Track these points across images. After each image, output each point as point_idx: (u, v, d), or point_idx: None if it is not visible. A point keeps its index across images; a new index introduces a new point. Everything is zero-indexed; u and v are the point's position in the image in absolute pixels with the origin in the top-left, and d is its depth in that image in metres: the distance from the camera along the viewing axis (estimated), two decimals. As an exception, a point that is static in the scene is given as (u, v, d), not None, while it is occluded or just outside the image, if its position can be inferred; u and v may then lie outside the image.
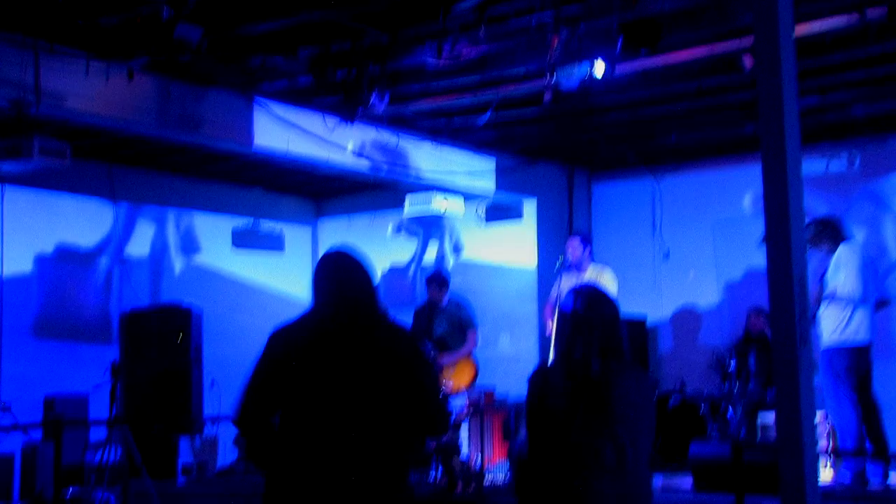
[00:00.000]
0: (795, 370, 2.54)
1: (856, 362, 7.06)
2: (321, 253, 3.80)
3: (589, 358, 3.52)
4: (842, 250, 7.22)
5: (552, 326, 8.21)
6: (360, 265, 3.65)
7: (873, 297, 7.28)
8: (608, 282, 7.95)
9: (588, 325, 3.57)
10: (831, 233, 7.31)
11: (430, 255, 11.60)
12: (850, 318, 7.08)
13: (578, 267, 8.20)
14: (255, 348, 3.65)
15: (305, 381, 3.43)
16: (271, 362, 3.50)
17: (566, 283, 8.16)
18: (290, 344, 3.50)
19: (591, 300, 3.65)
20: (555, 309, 8.12)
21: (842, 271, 7.11)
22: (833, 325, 7.10)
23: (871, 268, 7.36)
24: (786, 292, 2.59)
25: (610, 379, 3.49)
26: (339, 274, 3.60)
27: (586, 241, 8.34)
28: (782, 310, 2.58)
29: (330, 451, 3.38)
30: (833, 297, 7.07)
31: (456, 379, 8.74)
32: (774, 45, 2.55)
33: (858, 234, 9.08)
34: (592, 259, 8.42)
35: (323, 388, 3.41)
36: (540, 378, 3.66)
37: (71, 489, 7.52)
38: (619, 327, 3.63)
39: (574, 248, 8.21)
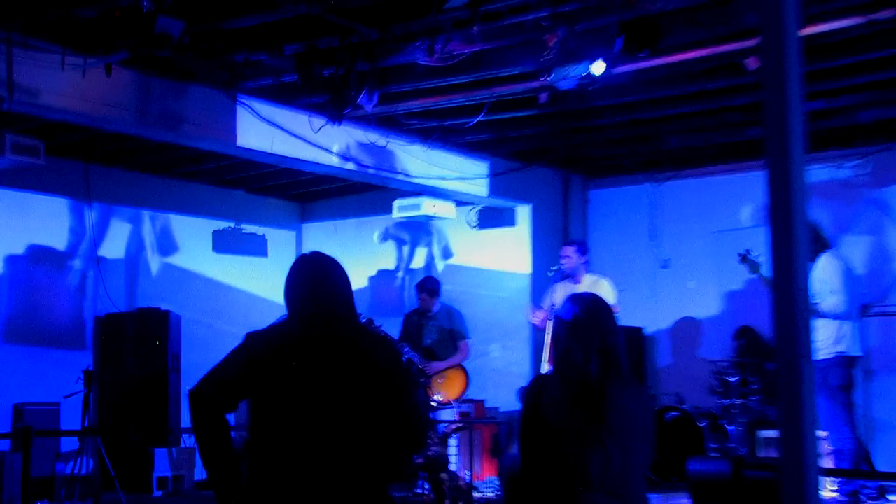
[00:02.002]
0: (798, 385, 2.53)
1: (849, 377, 7.09)
2: (304, 258, 3.76)
3: (587, 363, 3.52)
4: (825, 261, 7.19)
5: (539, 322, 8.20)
6: (335, 270, 3.61)
7: (857, 308, 7.29)
8: (606, 293, 7.94)
9: (587, 331, 3.58)
10: (811, 240, 7.28)
11: (419, 262, 11.59)
12: (839, 331, 7.09)
13: (574, 276, 8.19)
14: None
15: (279, 394, 3.39)
16: (245, 360, 3.45)
17: (561, 294, 8.15)
18: (267, 350, 3.46)
19: (590, 306, 3.66)
20: (545, 317, 8.15)
21: (827, 284, 7.09)
22: (822, 340, 7.09)
23: (853, 277, 7.35)
24: (789, 305, 2.58)
25: (607, 389, 3.49)
26: (314, 280, 3.57)
27: (583, 249, 8.33)
28: (785, 323, 2.57)
29: (305, 467, 3.36)
30: (820, 312, 7.04)
31: (445, 390, 8.73)
32: (780, 47, 2.55)
33: (863, 245, 9.11)
34: (589, 269, 8.42)
35: (297, 401, 3.38)
36: (536, 389, 3.65)
37: (40, 502, 7.47)
38: (618, 337, 3.64)
39: (569, 256, 8.20)
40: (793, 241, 2.58)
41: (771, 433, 8.19)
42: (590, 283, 8.09)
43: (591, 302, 3.71)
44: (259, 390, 3.41)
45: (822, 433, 7.03)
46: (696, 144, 9.85)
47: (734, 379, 8.52)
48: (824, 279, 7.10)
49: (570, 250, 8.24)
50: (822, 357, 7.07)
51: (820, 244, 7.27)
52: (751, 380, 8.51)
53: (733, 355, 9.10)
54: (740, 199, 9.97)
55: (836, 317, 7.04)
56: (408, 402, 3.52)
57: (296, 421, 3.37)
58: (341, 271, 3.63)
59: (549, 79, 7.09)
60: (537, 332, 8.90)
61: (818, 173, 9.40)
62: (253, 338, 3.52)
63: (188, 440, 8.98)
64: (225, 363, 3.46)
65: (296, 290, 3.58)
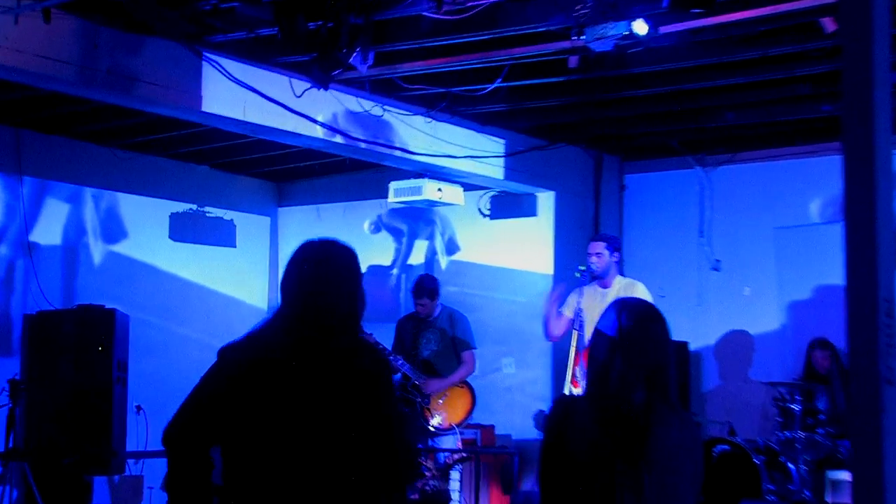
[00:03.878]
0: (878, 417, 2.52)
1: None
2: (281, 249, 3.73)
3: (630, 391, 3.49)
4: None
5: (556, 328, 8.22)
6: (346, 266, 3.58)
7: None
8: (641, 299, 7.95)
9: (635, 349, 3.55)
10: None
11: (419, 257, 11.58)
12: None
13: (603, 279, 8.19)
14: (194, 366, 3.61)
15: (250, 415, 3.39)
16: (220, 383, 3.46)
17: (588, 298, 8.16)
18: (242, 370, 3.46)
19: (640, 318, 3.63)
20: (562, 324, 8.16)
21: None
22: None
23: None
24: (868, 318, 2.58)
25: (651, 420, 3.47)
26: (313, 274, 3.54)
27: (614, 246, 8.34)
28: (863, 340, 2.56)
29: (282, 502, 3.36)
30: None
31: (447, 412, 8.73)
32: (865, 3, 2.53)
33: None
34: (621, 270, 8.41)
35: (270, 425, 3.38)
36: (561, 415, 3.62)
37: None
38: (671, 357, 3.62)
39: (599, 253, 8.20)
40: (874, 241, 2.56)
41: (843, 474, 8.18)
42: (621, 288, 8.09)
43: (644, 313, 3.68)
44: (234, 419, 3.41)
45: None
46: (756, 122, 9.82)
47: (798, 407, 8.50)
48: None
49: (599, 247, 8.25)
50: None
51: None
52: (819, 408, 8.49)
53: (802, 373, 9.10)
54: (810, 188, 9.96)
55: None
56: (393, 430, 3.50)
57: (271, 454, 3.37)
58: (353, 268, 3.60)
59: (581, 39, 7.07)
60: (559, 342, 8.90)
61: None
62: (226, 354, 3.51)
63: (134, 467, 8.98)
64: (198, 392, 3.48)
65: (290, 285, 3.55)
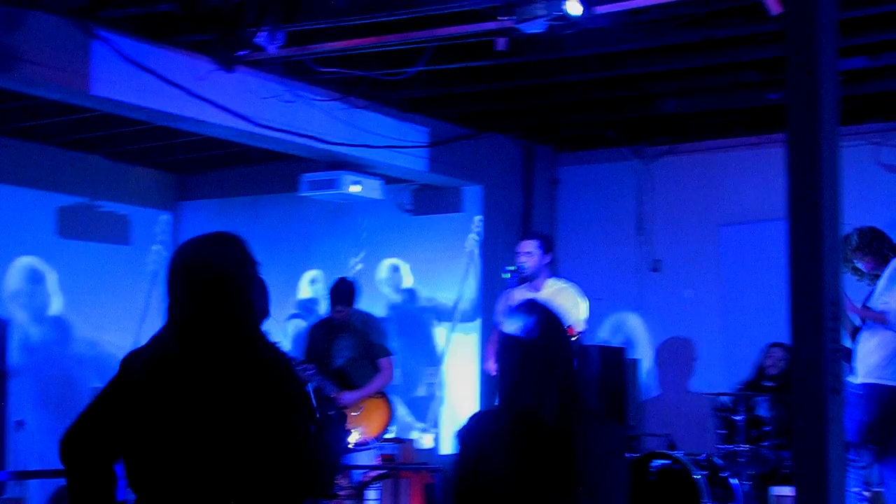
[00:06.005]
0: (822, 427, 2.56)
1: (884, 413, 7.27)
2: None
3: (545, 403, 3.51)
4: None
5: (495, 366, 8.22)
6: (235, 259, 3.56)
7: None
8: (573, 304, 7.99)
9: (545, 357, 3.57)
10: (877, 247, 7.47)
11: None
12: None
13: (534, 280, 8.21)
14: (84, 377, 3.58)
15: (152, 424, 3.40)
16: (122, 391, 3.46)
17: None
18: (142, 376, 3.45)
19: (548, 323, 3.65)
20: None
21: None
22: (873, 363, 7.28)
23: None
24: (812, 322, 2.62)
25: (571, 432, 3.50)
26: (199, 273, 3.52)
27: (546, 245, 8.35)
28: (807, 345, 2.60)
29: None
30: (886, 323, 7.24)
31: (362, 425, 8.71)
32: (809, -15, 2.57)
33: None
34: (554, 271, 8.44)
35: (173, 437, 3.38)
36: (475, 429, 3.64)
37: None
38: (575, 362, 3.65)
39: (530, 253, 8.23)
40: (820, 239, 2.61)
41: (787, 490, 8.29)
42: (553, 291, 8.10)
43: (549, 315, 3.71)
44: (135, 430, 3.41)
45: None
46: (698, 110, 9.91)
47: (741, 417, 8.60)
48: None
49: (531, 246, 8.26)
50: (861, 382, 7.26)
51: (892, 252, 7.46)
52: (764, 419, 8.59)
53: (754, 375, 9.20)
54: (756, 183, 10.05)
55: None
56: (299, 432, 3.50)
57: (171, 467, 3.37)
58: (245, 261, 3.57)
59: (510, 19, 7.10)
60: (487, 349, 8.92)
61: (854, 152, 9.51)
62: (128, 361, 3.51)
63: (14, 489, 8.88)
64: (100, 399, 3.46)
65: (173, 285, 3.54)
